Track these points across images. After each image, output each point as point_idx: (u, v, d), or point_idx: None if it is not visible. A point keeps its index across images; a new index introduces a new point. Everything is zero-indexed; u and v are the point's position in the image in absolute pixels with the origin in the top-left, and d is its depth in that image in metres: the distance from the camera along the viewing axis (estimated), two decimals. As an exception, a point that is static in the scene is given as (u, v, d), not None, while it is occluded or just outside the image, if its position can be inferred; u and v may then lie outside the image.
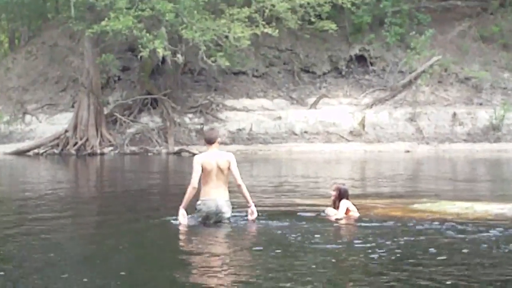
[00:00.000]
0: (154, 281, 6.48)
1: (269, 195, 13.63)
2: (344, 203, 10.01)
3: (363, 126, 34.41)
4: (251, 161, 26.74)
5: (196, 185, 9.25)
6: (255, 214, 9.51)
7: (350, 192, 10.37)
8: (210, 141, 9.55)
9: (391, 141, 33.88)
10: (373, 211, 10.64)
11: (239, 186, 9.42)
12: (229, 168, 9.35)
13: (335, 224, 9.59)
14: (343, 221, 9.70)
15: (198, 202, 9.39)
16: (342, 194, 10.09)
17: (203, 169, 9.26)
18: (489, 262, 7.06)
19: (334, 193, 10.18)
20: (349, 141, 33.92)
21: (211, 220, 9.33)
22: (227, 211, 9.40)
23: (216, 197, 9.31)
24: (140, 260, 7.53)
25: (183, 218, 9.29)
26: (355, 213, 10.01)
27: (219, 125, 34.69)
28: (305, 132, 34.43)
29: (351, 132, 34.26)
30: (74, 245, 8.43)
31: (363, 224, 9.42)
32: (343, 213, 9.93)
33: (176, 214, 9.51)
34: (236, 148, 32.78)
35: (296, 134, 34.43)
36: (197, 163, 9.29)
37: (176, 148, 33.16)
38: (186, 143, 33.72)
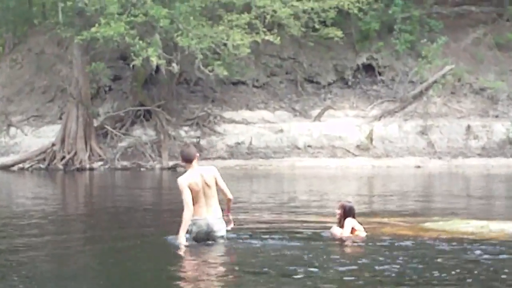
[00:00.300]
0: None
1: (270, 213, 13.60)
2: (349, 222, 9.96)
3: (371, 139, 34.41)
4: (251, 177, 26.73)
5: (192, 207, 9.11)
6: (232, 225, 9.54)
7: (357, 210, 10.34)
8: (188, 159, 9.35)
9: (400, 155, 33.87)
10: (381, 230, 10.60)
11: (229, 200, 9.47)
12: (216, 184, 9.31)
13: (339, 244, 9.55)
14: (348, 241, 9.66)
15: (189, 223, 9.32)
16: (347, 212, 10.05)
17: (190, 191, 9.17)
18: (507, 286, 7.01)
19: (339, 211, 10.14)
20: (356, 156, 33.90)
21: (202, 240, 9.26)
22: (219, 229, 9.31)
23: (206, 216, 9.26)
24: (125, 279, 7.52)
25: (184, 240, 9.12)
26: (361, 233, 9.95)
27: (217, 138, 34.71)
28: (309, 146, 34.42)
29: (358, 146, 34.25)
30: (58, 262, 8.42)
31: (369, 243, 9.38)
32: (348, 232, 9.88)
33: (169, 233, 9.49)
34: (235, 163, 32.78)
35: (299, 148, 34.41)
36: (184, 185, 9.15)
37: (171, 163, 33.12)
38: (182, 157, 33.67)
